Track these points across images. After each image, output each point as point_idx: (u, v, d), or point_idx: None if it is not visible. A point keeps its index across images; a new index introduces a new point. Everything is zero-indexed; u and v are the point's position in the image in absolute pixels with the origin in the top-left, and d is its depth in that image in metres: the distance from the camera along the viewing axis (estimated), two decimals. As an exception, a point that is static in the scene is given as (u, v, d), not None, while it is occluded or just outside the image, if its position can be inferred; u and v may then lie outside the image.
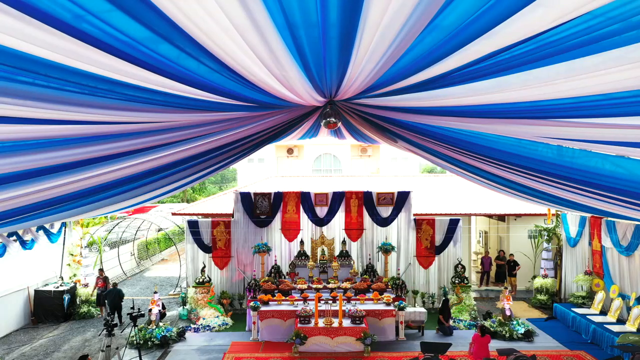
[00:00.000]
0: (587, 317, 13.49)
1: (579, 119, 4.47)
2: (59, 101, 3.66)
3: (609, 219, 13.56)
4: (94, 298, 16.23)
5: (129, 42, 3.10)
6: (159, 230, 27.13)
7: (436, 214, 17.14)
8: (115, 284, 15.38)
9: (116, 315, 14.65)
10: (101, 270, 16.42)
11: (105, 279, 16.12)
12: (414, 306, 15.02)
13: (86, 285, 16.17)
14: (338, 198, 16.67)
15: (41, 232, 14.48)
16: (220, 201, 19.27)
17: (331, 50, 3.74)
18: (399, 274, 15.51)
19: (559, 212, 16.78)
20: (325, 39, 3.52)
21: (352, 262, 15.99)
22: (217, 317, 14.79)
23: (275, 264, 15.97)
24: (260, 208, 16.61)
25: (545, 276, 16.78)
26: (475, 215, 18.29)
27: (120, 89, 3.83)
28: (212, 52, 3.50)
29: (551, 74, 3.50)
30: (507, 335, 13.03)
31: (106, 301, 14.90)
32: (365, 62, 3.95)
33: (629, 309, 12.85)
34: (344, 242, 16.37)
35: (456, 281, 15.67)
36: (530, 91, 4.02)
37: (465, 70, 3.91)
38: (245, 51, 3.54)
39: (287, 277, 15.70)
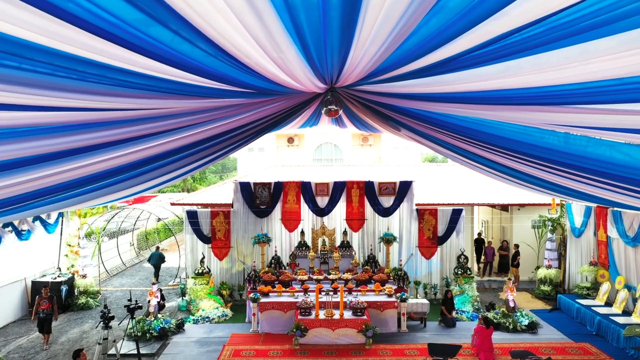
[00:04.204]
0: (592, 308, 13.32)
1: (593, 105, 4.29)
2: (47, 87, 3.50)
3: (615, 209, 13.34)
4: (92, 289, 16.06)
5: (119, 24, 2.94)
6: (158, 220, 26.97)
7: (439, 204, 16.95)
8: (157, 247, 19.67)
9: (158, 272, 19.25)
10: (45, 287, 12.56)
11: (51, 299, 12.18)
12: (416, 297, 14.83)
13: (84, 276, 16.00)
14: (339, 188, 16.46)
15: (37, 222, 14.31)
16: (219, 191, 19.10)
17: (332, 32, 3.58)
18: (400, 264, 15.35)
19: (563, 202, 16.57)
20: (325, 20, 3.35)
21: (353, 253, 15.82)
22: (217, 308, 14.63)
23: (276, 255, 15.79)
24: (260, 198, 16.40)
25: (549, 267, 16.60)
26: (479, 205, 18.10)
27: (112, 74, 3.67)
28: (207, 34, 3.35)
29: (563, 57, 3.33)
30: (511, 327, 12.85)
31: (151, 263, 19.18)
32: (368, 44, 3.77)
33: (634, 300, 12.64)
34: (345, 233, 16.18)
35: (459, 272, 15.48)
36: (540, 76, 3.85)
37: (473, 54, 3.73)
38: (242, 33, 3.37)
39: (287, 267, 15.53)
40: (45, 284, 14.74)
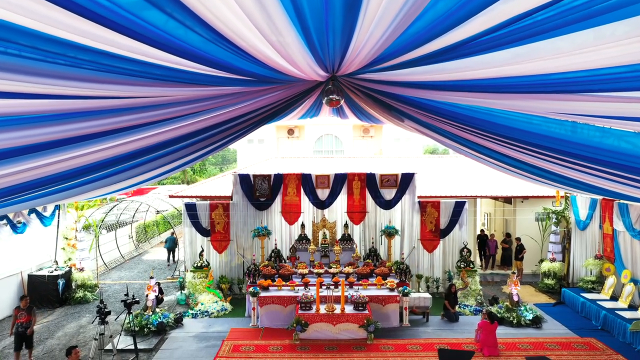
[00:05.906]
0: (597, 302, 13.10)
1: (607, 92, 4.07)
2: (35, 73, 3.32)
3: (622, 201, 13.10)
4: (90, 282, 15.87)
5: (111, 7, 2.79)
6: (157, 213, 26.81)
7: (441, 197, 16.71)
8: (173, 232, 21.52)
9: (172, 255, 21.69)
10: (25, 297, 11.33)
11: (30, 310, 10.96)
12: (418, 291, 14.63)
13: (82, 270, 15.81)
14: (340, 180, 16.21)
15: (33, 215, 14.08)
16: (219, 183, 18.88)
17: (335, 13, 3.38)
18: (402, 258, 15.14)
19: (568, 195, 16.33)
20: (328, 0, 3.18)
21: (354, 246, 15.61)
22: (216, 302, 14.43)
23: (276, 248, 15.57)
24: (259, 190, 16.16)
25: (553, 260, 16.39)
26: (482, 197, 17.84)
27: (104, 60, 3.50)
28: (203, 17, 3.18)
29: (578, 42, 3.14)
30: (515, 321, 12.64)
31: (165, 247, 21.72)
32: (372, 27, 3.57)
33: (641, 294, 12.47)
34: (346, 226, 15.96)
35: (462, 265, 15.24)
36: (554, 62, 3.66)
37: (483, 39, 3.57)
38: (238, 14, 3.19)
39: (287, 261, 15.31)
40: (43, 278, 14.64)
